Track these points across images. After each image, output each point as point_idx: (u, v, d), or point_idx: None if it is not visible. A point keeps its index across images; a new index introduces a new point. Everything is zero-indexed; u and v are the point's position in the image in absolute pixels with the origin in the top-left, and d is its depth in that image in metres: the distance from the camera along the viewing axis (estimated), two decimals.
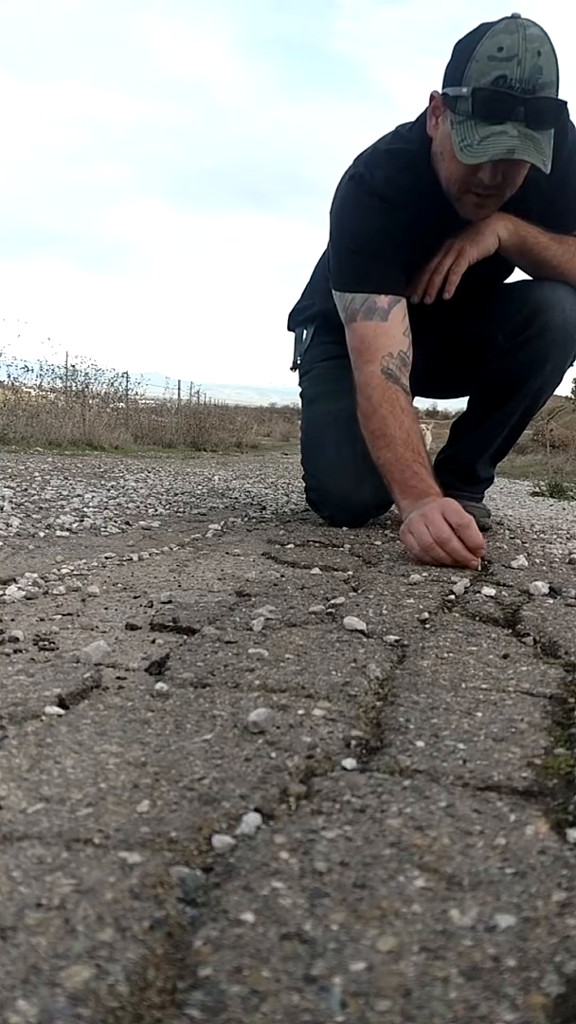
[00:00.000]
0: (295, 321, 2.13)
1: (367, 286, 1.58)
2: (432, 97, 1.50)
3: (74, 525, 1.73)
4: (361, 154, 1.66)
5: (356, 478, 1.74)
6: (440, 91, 1.46)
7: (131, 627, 0.87)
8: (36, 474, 3.34)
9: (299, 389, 2.11)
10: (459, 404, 2.16)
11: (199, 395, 15.11)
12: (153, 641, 0.83)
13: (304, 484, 2.04)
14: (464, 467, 1.92)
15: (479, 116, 1.36)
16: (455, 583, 1.17)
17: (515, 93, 1.32)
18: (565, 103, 1.38)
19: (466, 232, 1.60)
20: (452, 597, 1.10)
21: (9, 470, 3.48)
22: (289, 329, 2.17)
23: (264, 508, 2.35)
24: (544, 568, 1.40)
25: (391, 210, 1.58)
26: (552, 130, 1.38)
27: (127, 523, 1.84)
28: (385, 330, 1.56)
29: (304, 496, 2.09)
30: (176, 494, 2.77)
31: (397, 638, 0.86)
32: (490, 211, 1.54)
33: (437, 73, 1.48)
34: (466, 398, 2.02)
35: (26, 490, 2.55)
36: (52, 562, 1.26)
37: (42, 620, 0.89)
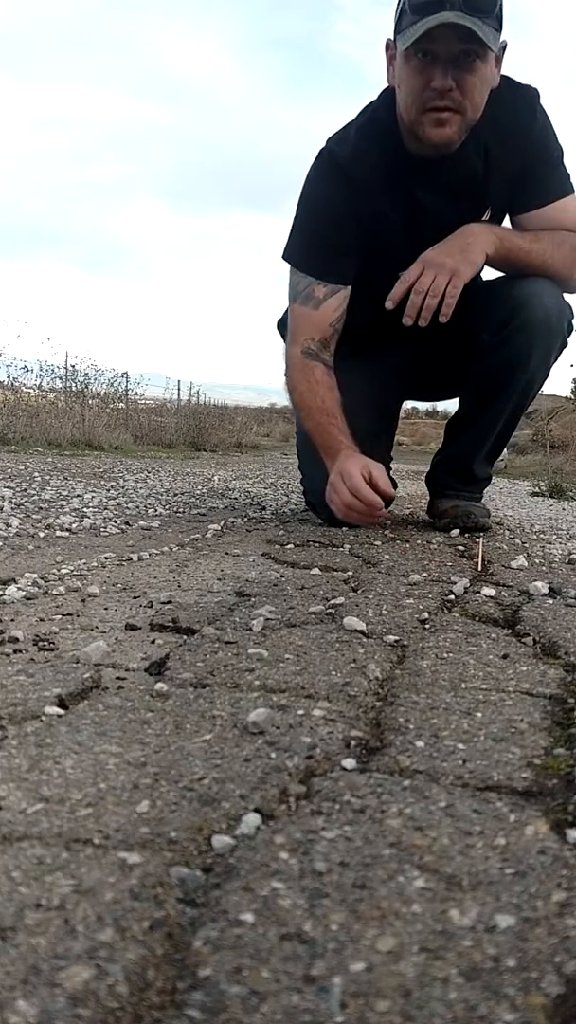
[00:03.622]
0: (283, 331, 2.14)
1: (312, 271, 1.69)
2: (387, 47, 1.56)
3: (74, 525, 1.73)
4: (333, 134, 1.71)
5: None
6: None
7: (131, 627, 0.87)
8: (36, 474, 3.34)
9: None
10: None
11: (199, 395, 15.10)
12: (153, 641, 0.83)
13: (302, 487, 2.05)
14: (460, 467, 1.91)
15: (415, 13, 1.40)
16: (455, 583, 1.17)
17: None
18: None
19: (454, 248, 1.59)
20: (452, 597, 1.10)
21: (9, 470, 3.48)
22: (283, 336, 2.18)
23: (264, 508, 2.35)
24: (544, 568, 1.40)
25: (355, 187, 1.62)
26: (492, 25, 1.41)
27: (127, 523, 1.84)
28: (313, 318, 1.70)
29: (304, 497, 2.09)
30: (176, 494, 2.77)
31: (397, 638, 0.86)
32: (452, 130, 1.50)
33: None
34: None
35: (26, 490, 2.55)
36: (52, 562, 1.26)
37: (42, 620, 0.89)
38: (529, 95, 1.63)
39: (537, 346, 1.69)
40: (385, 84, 1.64)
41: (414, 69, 1.47)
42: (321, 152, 1.69)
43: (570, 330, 1.76)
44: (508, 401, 1.77)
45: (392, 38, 1.53)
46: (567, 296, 1.74)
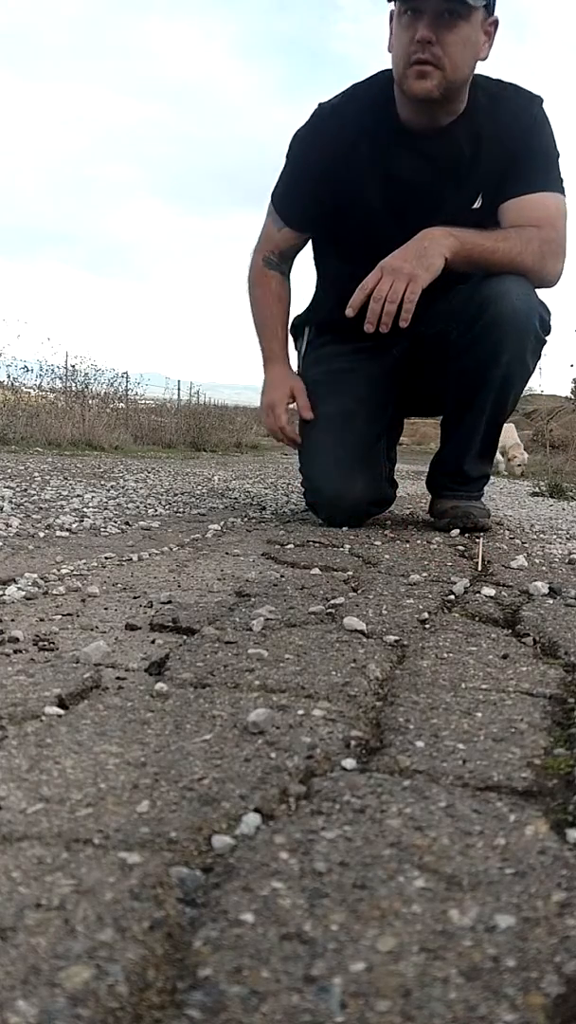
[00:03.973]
0: (294, 333, 2.18)
1: (282, 216, 1.90)
2: (390, 18, 1.64)
3: (74, 525, 1.73)
4: (334, 96, 1.81)
5: (348, 476, 1.82)
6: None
7: (131, 627, 0.87)
8: (36, 474, 3.34)
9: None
10: None
11: (199, 395, 15.09)
12: (153, 641, 0.83)
13: (303, 487, 2.06)
14: (453, 467, 1.92)
15: None
16: (455, 583, 1.17)
17: None
18: None
19: (410, 254, 1.60)
20: (452, 597, 1.10)
21: (9, 470, 3.48)
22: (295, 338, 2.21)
23: (264, 508, 2.35)
24: (544, 568, 1.40)
25: (339, 145, 1.74)
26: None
27: (127, 523, 1.84)
28: (276, 237, 1.92)
29: (304, 498, 2.10)
30: (176, 494, 2.77)
31: (397, 638, 0.86)
32: (432, 84, 1.58)
33: None
34: None
35: (26, 490, 2.55)
36: (52, 562, 1.26)
37: (42, 620, 0.89)
38: (533, 99, 1.70)
39: (509, 342, 1.68)
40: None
41: (403, 26, 1.58)
42: (315, 109, 1.81)
43: (546, 328, 1.75)
44: (486, 400, 1.76)
45: (392, 18, 1.62)
46: (544, 293, 1.75)
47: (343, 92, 1.79)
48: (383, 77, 1.73)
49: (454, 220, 1.65)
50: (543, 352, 1.80)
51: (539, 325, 1.72)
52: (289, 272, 1.98)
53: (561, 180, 1.71)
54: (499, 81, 1.73)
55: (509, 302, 1.65)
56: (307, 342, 2.08)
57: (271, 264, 1.94)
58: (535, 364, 1.80)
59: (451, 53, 1.56)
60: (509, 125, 1.68)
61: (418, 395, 2.03)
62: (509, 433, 7.06)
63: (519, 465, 7.10)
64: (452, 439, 1.90)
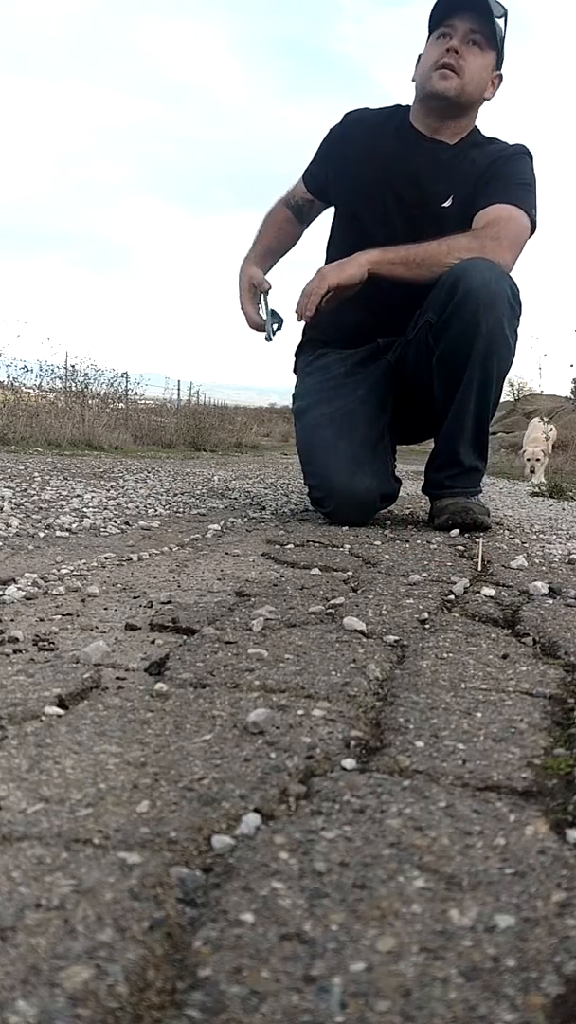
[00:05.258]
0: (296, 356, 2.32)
1: (304, 179, 2.20)
2: (417, 59, 1.99)
3: (74, 525, 1.73)
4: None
5: (356, 466, 1.88)
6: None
7: (131, 627, 0.87)
8: (36, 474, 3.34)
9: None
10: None
11: (199, 395, 15.09)
12: (153, 641, 0.83)
13: (307, 487, 2.08)
14: (448, 457, 1.94)
15: (441, 10, 1.89)
16: (455, 583, 1.17)
17: None
18: (506, 12, 1.91)
19: (336, 263, 1.85)
20: (452, 597, 1.10)
21: (9, 470, 3.48)
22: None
23: (264, 508, 2.35)
24: (544, 568, 1.40)
25: (345, 137, 2.07)
26: (497, 29, 1.88)
27: (127, 523, 1.84)
28: (300, 189, 2.21)
29: (304, 497, 2.11)
30: (176, 494, 2.77)
31: (397, 638, 0.86)
32: (452, 85, 1.89)
33: None
34: None
35: (26, 490, 2.55)
36: (52, 562, 1.26)
37: (42, 620, 0.89)
38: (520, 146, 2.00)
39: (483, 314, 1.75)
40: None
41: (436, 43, 1.91)
42: (345, 113, 2.14)
43: (517, 299, 1.83)
44: (473, 377, 1.81)
45: (424, 47, 1.97)
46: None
47: (376, 107, 2.14)
48: (402, 106, 2.08)
49: (426, 211, 1.93)
50: (518, 328, 1.87)
51: (511, 293, 1.80)
52: (303, 219, 2.24)
53: (533, 205, 1.90)
54: (494, 137, 2.04)
55: (478, 274, 1.75)
56: (304, 360, 2.18)
57: (289, 203, 2.22)
58: (515, 338, 1.86)
59: (470, 68, 1.89)
60: (495, 155, 1.96)
61: (409, 410, 2.08)
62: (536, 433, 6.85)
63: (533, 471, 6.82)
64: (444, 425, 1.93)
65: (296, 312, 1.89)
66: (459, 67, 1.88)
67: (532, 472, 6.76)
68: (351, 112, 2.12)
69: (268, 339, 2.07)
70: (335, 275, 1.82)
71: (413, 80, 2.00)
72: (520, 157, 1.98)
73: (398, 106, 2.10)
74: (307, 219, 2.26)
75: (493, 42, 1.90)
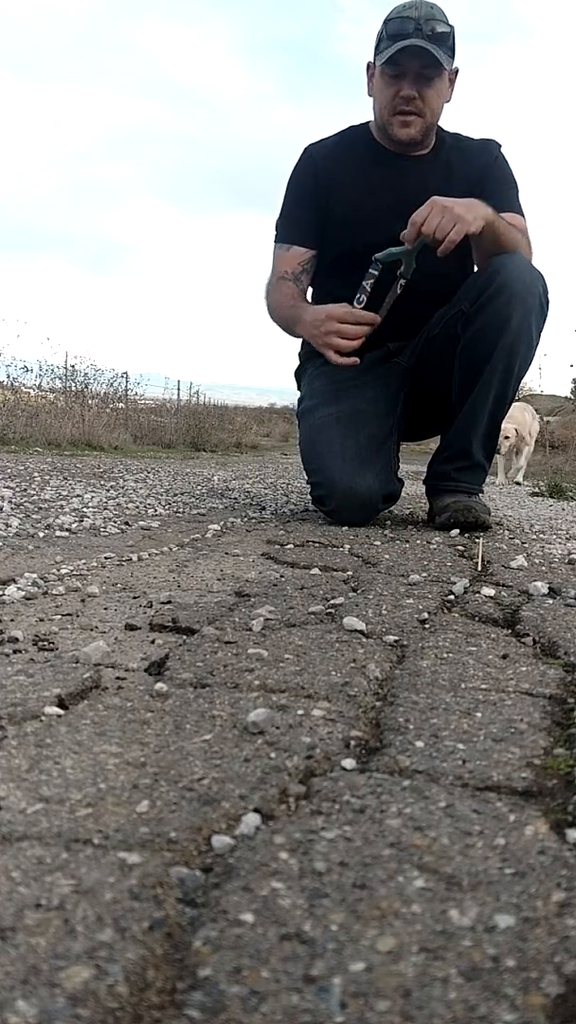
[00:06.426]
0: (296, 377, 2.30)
1: (285, 240, 2.10)
2: (368, 68, 1.99)
3: (73, 525, 1.73)
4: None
5: (359, 467, 1.88)
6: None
7: (130, 627, 0.87)
8: (35, 474, 3.34)
9: (298, 393, 2.25)
10: None
11: (198, 395, 15.09)
12: (152, 641, 0.83)
13: (309, 486, 2.07)
14: (458, 449, 1.94)
15: (390, 39, 1.84)
16: (455, 583, 1.17)
17: (416, 21, 1.82)
18: (453, 28, 1.87)
19: (461, 201, 1.73)
20: (452, 597, 1.10)
21: (9, 470, 3.48)
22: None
23: (263, 508, 2.35)
24: (543, 568, 1.40)
25: (324, 172, 2.04)
26: (447, 53, 1.85)
27: (126, 523, 1.84)
28: (286, 257, 2.08)
29: (304, 497, 2.11)
30: (175, 494, 2.77)
31: (396, 638, 0.86)
32: (415, 130, 1.93)
33: None
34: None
35: (25, 490, 2.55)
36: (52, 562, 1.26)
37: (41, 620, 0.89)
38: (492, 142, 2.06)
39: (516, 306, 1.78)
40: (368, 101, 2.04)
41: (387, 81, 1.91)
42: (304, 148, 2.12)
43: (547, 300, 1.86)
44: (497, 366, 1.82)
45: (372, 60, 1.96)
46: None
47: (327, 136, 2.12)
48: (357, 124, 2.08)
49: None
50: (543, 330, 1.88)
51: (543, 291, 1.83)
52: (303, 288, 2.08)
53: (521, 207, 1.97)
54: (456, 132, 2.08)
55: (515, 267, 1.79)
56: (313, 366, 2.13)
57: (285, 277, 2.07)
58: (539, 335, 1.87)
59: (429, 103, 1.92)
60: (472, 160, 2.00)
61: (420, 408, 2.09)
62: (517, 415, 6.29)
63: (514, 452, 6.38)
64: (458, 417, 1.93)
65: (421, 234, 1.71)
66: (418, 109, 1.90)
67: (499, 452, 6.08)
68: (311, 145, 2.09)
69: (405, 277, 1.88)
70: (475, 223, 1.68)
71: (370, 95, 1.99)
72: (502, 159, 2.02)
73: (352, 127, 2.09)
74: (305, 288, 2.13)
75: (447, 62, 1.86)
